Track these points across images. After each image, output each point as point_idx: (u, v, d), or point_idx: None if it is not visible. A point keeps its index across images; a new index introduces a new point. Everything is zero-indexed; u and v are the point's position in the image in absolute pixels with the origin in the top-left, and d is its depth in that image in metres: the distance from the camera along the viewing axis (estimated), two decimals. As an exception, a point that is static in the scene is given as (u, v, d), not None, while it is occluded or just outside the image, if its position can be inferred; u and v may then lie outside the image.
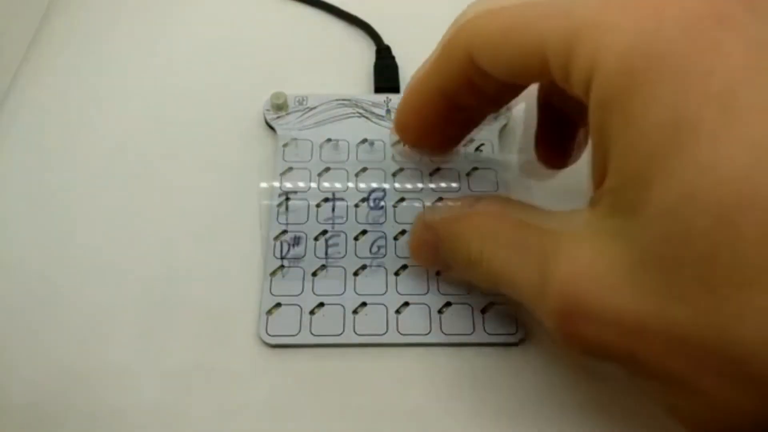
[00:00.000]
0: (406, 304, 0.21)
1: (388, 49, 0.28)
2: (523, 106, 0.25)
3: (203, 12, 0.30)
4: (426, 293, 0.21)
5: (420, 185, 0.23)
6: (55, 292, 0.21)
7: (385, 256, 0.22)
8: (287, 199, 0.23)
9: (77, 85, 0.27)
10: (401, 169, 0.24)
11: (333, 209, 0.23)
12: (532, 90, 0.20)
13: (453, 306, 0.21)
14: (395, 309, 0.20)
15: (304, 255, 0.21)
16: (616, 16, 0.13)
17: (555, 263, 0.14)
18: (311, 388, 0.20)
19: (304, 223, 0.22)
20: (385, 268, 0.21)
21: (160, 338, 0.20)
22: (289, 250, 0.22)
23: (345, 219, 0.22)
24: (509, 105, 0.25)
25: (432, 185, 0.23)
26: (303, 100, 0.25)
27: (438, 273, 0.21)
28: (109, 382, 0.20)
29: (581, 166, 0.21)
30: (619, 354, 0.14)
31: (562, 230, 0.15)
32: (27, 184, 0.24)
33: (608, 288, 0.13)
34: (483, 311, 0.20)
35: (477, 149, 0.24)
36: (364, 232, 0.22)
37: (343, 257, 0.21)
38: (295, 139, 0.24)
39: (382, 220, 0.22)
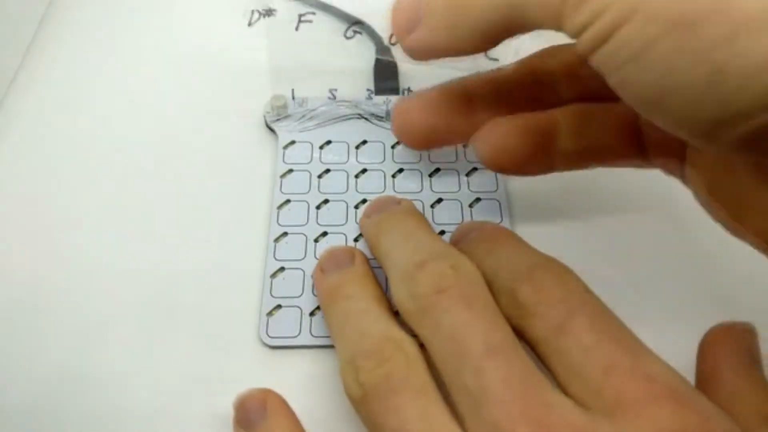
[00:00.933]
0: (406, 305, 0.21)
1: (388, 50, 0.28)
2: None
3: (204, 13, 0.30)
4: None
5: (420, 186, 0.23)
6: (54, 294, 0.21)
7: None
8: (287, 201, 0.23)
9: (77, 87, 0.27)
10: (401, 171, 0.24)
11: (333, 211, 0.23)
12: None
13: (452, 307, 0.21)
14: (394, 310, 0.21)
15: (304, 256, 0.22)
16: None
17: None
18: (311, 389, 0.20)
19: (305, 224, 0.22)
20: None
21: (161, 340, 0.20)
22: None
23: (345, 221, 0.22)
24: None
25: (432, 186, 0.23)
26: (303, 102, 0.25)
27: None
28: (109, 385, 0.20)
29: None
30: None
31: None
32: (27, 185, 0.24)
33: None
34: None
35: None
36: (363, 233, 0.22)
37: (343, 259, 0.22)
38: (295, 141, 0.24)
39: None
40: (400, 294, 0.17)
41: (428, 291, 0.16)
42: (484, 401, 0.14)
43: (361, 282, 0.19)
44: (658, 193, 0.24)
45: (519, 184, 0.24)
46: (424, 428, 0.14)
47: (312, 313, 0.20)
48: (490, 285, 0.17)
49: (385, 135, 0.25)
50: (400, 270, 0.17)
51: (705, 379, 0.17)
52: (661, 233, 0.23)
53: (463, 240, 0.19)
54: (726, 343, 0.17)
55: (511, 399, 0.14)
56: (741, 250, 0.22)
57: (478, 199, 0.23)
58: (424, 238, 0.19)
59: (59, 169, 0.25)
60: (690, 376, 0.17)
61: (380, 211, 0.21)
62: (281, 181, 0.23)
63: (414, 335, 0.17)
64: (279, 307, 0.21)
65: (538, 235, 0.22)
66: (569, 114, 0.20)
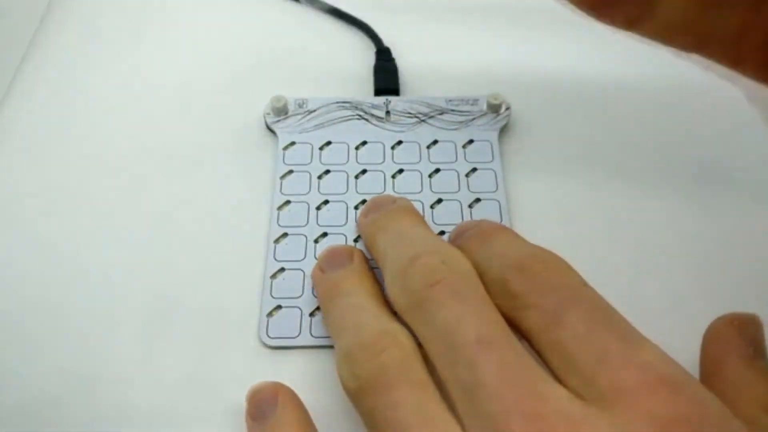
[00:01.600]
0: (406, 306, 0.21)
1: (387, 50, 0.28)
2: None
3: (203, 14, 0.30)
4: (425, 295, 0.21)
5: (419, 187, 0.23)
6: (55, 295, 0.21)
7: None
8: (287, 202, 0.23)
9: (77, 87, 0.27)
10: (401, 171, 0.24)
11: (333, 212, 0.23)
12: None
13: (452, 308, 0.21)
14: (394, 310, 0.21)
15: (304, 257, 0.22)
16: None
17: None
18: (312, 390, 0.20)
19: (304, 225, 0.22)
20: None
21: (161, 341, 0.20)
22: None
23: (345, 221, 0.22)
24: (509, 104, 0.25)
25: (432, 187, 0.23)
26: (303, 103, 0.25)
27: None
28: (110, 385, 0.20)
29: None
30: None
31: None
32: (27, 186, 0.24)
33: None
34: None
35: None
36: (364, 234, 0.22)
37: (343, 259, 0.22)
38: (295, 142, 0.24)
39: None
40: (393, 290, 0.17)
41: (420, 286, 0.16)
42: (478, 394, 0.14)
43: (359, 279, 0.19)
44: (659, 192, 0.24)
45: (519, 184, 0.24)
46: (419, 421, 0.14)
47: (312, 314, 0.20)
48: (483, 276, 0.17)
49: (385, 135, 0.25)
50: (393, 267, 0.18)
51: (709, 370, 0.17)
52: (662, 232, 0.23)
53: (460, 237, 0.19)
54: (730, 334, 0.17)
55: (504, 391, 0.14)
56: (747, 243, 0.22)
57: (478, 200, 0.23)
58: (418, 235, 0.19)
59: (59, 169, 0.25)
60: (695, 368, 0.17)
61: (377, 211, 0.21)
62: (281, 182, 0.23)
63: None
64: (279, 307, 0.21)
65: (538, 236, 0.22)
66: None
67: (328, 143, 0.24)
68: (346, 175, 0.24)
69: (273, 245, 0.22)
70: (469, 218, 0.23)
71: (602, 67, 0.28)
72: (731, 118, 0.26)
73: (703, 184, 0.24)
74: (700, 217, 0.23)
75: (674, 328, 0.18)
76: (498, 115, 0.25)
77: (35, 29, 0.29)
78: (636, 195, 0.24)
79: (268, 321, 0.20)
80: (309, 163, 0.24)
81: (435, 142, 0.25)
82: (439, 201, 0.23)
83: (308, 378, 0.20)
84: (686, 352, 0.16)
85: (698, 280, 0.22)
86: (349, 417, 0.19)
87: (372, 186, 0.23)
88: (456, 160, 0.24)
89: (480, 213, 0.23)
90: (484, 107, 0.25)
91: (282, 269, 0.21)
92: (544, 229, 0.23)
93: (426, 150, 0.24)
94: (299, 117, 0.25)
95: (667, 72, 0.27)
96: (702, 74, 0.27)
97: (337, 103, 0.26)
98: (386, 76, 0.27)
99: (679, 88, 0.27)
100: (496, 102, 0.25)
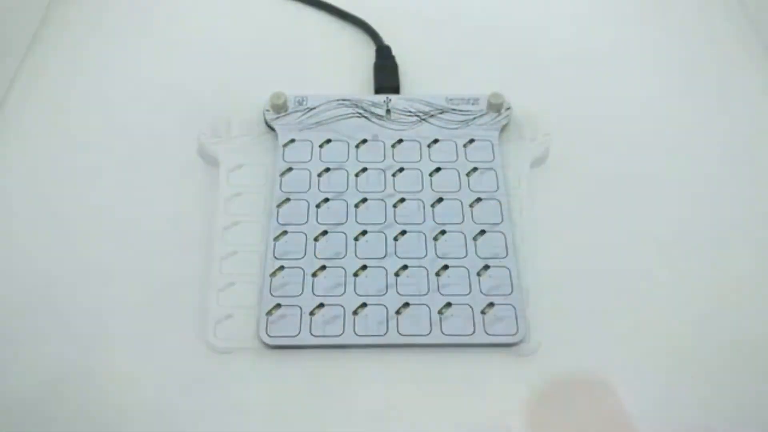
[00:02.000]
0: (406, 304, 0.21)
1: (387, 48, 0.28)
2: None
3: (203, 12, 0.30)
4: (426, 294, 0.21)
5: (420, 186, 0.23)
6: (58, 295, 0.21)
7: (385, 256, 0.21)
8: (287, 199, 0.23)
9: (76, 86, 0.27)
10: (401, 170, 0.24)
11: (333, 209, 0.22)
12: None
13: (453, 306, 0.20)
14: (395, 310, 0.20)
15: (304, 255, 0.21)
16: None
17: None
18: (311, 389, 0.20)
19: (304, 223, 0.22)
20: (385, 269, 0.21)
21: (161, 339, 0.20)
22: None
23: (345, 219, 0.22)
24: (509, 104, 0.25)
25: (432, 186, 0.23)
26: (303, 100, 0.25)
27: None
28: (110, 383, 0.20)
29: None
30: None
31: None
32: (29, 185, 0.24)
33: None
34: (483, 312, 0.20)
35: None
36: (364, 232, 0.22)
37: (343, 258, 0.21)
38: (295, 139, 0.24)
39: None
40: None
41: None
42: None
43: None
44: (667, 188, 0.24)
45: (520, 184, 0.24)
46: None
47: (312, 313, 0.20)
48: None
49: (386, 134, 0.25)
50: None
51: None
52: (664, 227, 0.23)
53: None
54: None
55: None
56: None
57: (479, 199, 0.23)
58: None
59: (61, 171, 0.24)
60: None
61: None
62: (281, 180, 0.23)
63: None
64: (279, 306, 0.20)
65: (539, 236, 0.22)
66: None
67: (328, 141, 0.24)
68: (346, 173, 0.23)
69: (273, 243, 0.22)
70: (470, 218, 0.22)
71: (604, 66, 0.28)
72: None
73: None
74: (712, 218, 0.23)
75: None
76: (499, 114, 0.25)
77: (35, 29, 0.29)
78: (639, 194, 0.24)
79: (267, 320, 0.20)
80: (309, 161, 0.24)
81: (435, 140, 0.24)
82: (440, 200, 0.23)
83: (308, 377, 0.20)
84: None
85: (706, 272, 0.22)
86: (349, 416, 0.19)
87: (372, 184, 0.23)
88: (457, 159, 0.24)
89: (481, 212, 0.23)
90: (485, 107, 0.25)
91: (282, 267, 0.21)
92: (545, 229, 0.23)
93: (426, 149, 0.24)
94: (299, 114, 0.25)
95: (666, 69, 0.27)
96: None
97: (337, 100, 0.25)
98: (386, 74, 0.27)
99: (680, 84, 0.27)
100: (497, 102, 0.25)
